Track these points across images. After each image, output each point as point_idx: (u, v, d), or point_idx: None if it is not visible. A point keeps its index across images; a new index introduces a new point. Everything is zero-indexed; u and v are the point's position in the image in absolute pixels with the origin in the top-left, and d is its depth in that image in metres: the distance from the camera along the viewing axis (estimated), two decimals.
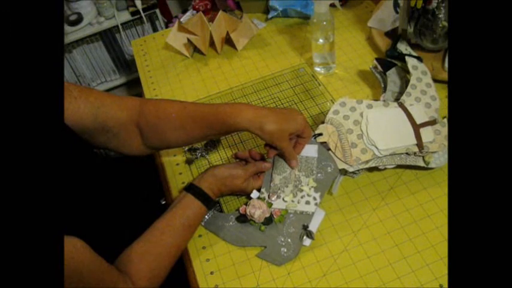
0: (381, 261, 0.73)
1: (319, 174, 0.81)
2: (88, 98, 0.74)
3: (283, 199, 0.80)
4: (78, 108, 0.73)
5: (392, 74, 0.94)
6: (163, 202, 0.95)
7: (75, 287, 0.59)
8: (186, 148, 0.96)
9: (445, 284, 0.69)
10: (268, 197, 0.80)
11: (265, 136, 0.74)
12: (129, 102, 0.80)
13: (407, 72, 0.93)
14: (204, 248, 0.79)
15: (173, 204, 0.78)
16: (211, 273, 0.76)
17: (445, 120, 0.85)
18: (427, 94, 0.88)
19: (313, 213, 0.77)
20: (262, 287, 0.73)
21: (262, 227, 0.78)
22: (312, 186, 0.80)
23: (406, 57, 0.92)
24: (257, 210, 0.77)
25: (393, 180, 0.83)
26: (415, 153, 0.81)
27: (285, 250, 0.75)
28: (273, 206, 0.79)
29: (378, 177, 0.84)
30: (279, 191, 0.80)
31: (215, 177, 0.80)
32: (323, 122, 0.85)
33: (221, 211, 0.84)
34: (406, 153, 0.81)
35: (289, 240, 0.76)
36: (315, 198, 0.79)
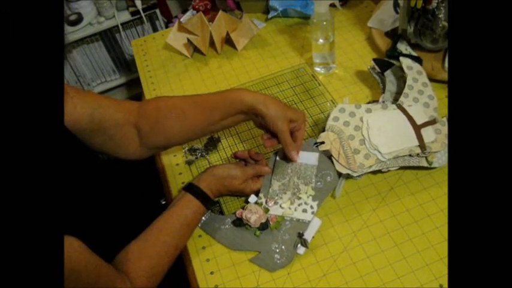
0: (381, 261, 0.73)
1: (318, 183, 0.81)
2: (85, 99, 0.74)
3: (280, 206, 0.79)
4: (74, 109, 0.72)
5: (390, 75, 0.94)
6: (163, 202, 0.95)
7: (73, 287, 0.59)
8: (186, 148, 0.96)
9: (445, 284, 0.69)
10: (266, 202, 0.80)
11: (268, 113, 0.74)
12: (127, 104, 0.80)
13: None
14: (204, 248, 0.79)
15: (172, 203, 0.79)
16: (211, 273, 0.76)
17: (445, 119, 0.85)
18: (424, 94, 0.88)
19: (309, 221, 0.77)
20: (262, 287, 0.73)
21: (258, 232, 0.77)
22: (310, 195, 0.79)
23: (401, 58, 0.92)
24: (253, 215, 0.77)
25: (393, 181, 0.83)
26: (417, 154, 0.81)
27: (278, 257, 0.75)
28: (269, 212, 0.79)
29: (378, 178, 0.84)
30: (276, 197, 0.80)
31: (214, 177, 0.80)
32: (323, 130, 0.85)
33: (221, 211, 0.84)
34: (409, 155, 0.81)
35: (283, 247, 0.76)
36: (312, 207, 0.78)
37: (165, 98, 0.82)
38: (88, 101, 0.74)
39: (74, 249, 0.59)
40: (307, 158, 0.82)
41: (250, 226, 0.77)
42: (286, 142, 0.78)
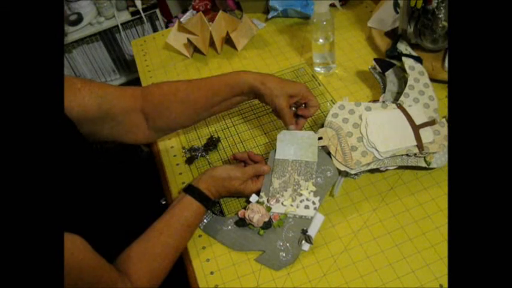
0: (381, 261, 0.73)
1: (318, 179, 0.81)
2: (91, 89, 0.76)
3: (282, 203, 0.79)
4: (82, 99, 0.74)
5: (391, 75, 0.94)
6: (164, 202, 0.95)
7: (74, 284, 0.59)
8: (186, 148, 0.96)
9: (445, 284, 0.69)
10: (268, 201, 0.80)
11: (266, 92, 0.78)
12: (131, 90, 0.82)
13: (406, 71, 0.93)
14: (204, 248, 0.79)
15: (172, 205, 0.79)
16: (211, 273, 0.76)
17: (444, 120, 0.85)
18: (425, 94, 0.88)
19: (312, 217, 0.77)
20: (262, 287, 0.73)
21: (261, 231, 0.77)
22: (311, 191, 0.80)
23: (403, 58, 0.92)
24: (256, 214, 0.77)
25: (393, 181, 0.83)
26: (415, 154, 0.81)
27: (284, 255, 0.75)
28: (272, 210, 0.79)
29: (378, 178, 0.84)
30: (278, 195, 0.80)
31: (213, 178, 0.80)
32: (322, 126, 0.85)
33: (221, 211, 0.84)
34: (407, 155, 0.81)
35: (288, 244, 0.76)
36: (314, 203, 0.78)
37: (168, 83, 0.85)
38: (95, 91, 0.76)
39: (76, 246, 0.60)
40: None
41: (253, 226, 0.77)
42: (285, 118, 0.81)
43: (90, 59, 2.09)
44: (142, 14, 1.96)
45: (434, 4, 0.94)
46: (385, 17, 1.11)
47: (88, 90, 0.75)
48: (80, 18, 1.91)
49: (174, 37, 1.19)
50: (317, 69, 1.07)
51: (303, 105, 0.84)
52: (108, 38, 2.04)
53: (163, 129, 0.87)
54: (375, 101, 0.93)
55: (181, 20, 1.22)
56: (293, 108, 0.85)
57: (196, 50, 1.19)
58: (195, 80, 0.83)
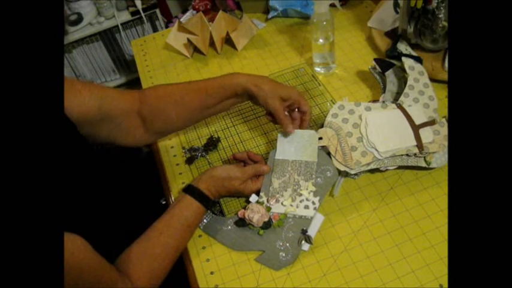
0: (381, 261, 0.73)
1: (318, 179, 0.81)
2: (91, 90, 0.76)
3: (282, 203, 0.79)
4: (83, 100, 0.74)
5: (391, 75, 0.94)
6: (164, 202, 0.95)
7: (74, 284, 0.59)
8: (186, 148, 0.96)
9: (445, 284, 0.69)
10: (267, 201, 0.80)
11: (260, 93, 0.79)
12: (129, 94, 0.84)
13: (406, 71, 0.93)
14: (204, 248, 0.79)
15: (172, 205, 0.79)
16: (211, 273, 0.76)
17: (444, 120, 0.85)
18: (425, 94, 0.88)
19: (312, 217, 0.77)
20: (262, 287, 0.73)
21: (261, 231, 0.77)
22: (311, 191, 0.80)
23: (403, 58, 0.92)
24: (256, 214, 0.77)
25: (393, 180, 0.83)
26: (415, 154, 0.81)
27: (284, 255, 0.75)
28: (271, 210, 0.79)
29: (378, 178, 0.84)
30: (278, 195, 0.80)
31: (213, 178, 0.80)
32: (322, 126, 0.85)
33: (221, 211, 0.84)
34: (407, 155, 0.81)
35: (287, 244, 0.76)
36: (314, 203, 0.79)
37: (164, 86, 0.86)
38: (95, 93, 0.76)
39: (77, 246, 0.60)
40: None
41: (253, 226, 0.77)
42: (280, 118, 0.81)
43: (90, 59, 2.09)
44: (142, 14, 1.96)
45: (434, 4, 0.94)
46: (385, 17, 1.11)
47: (88, 92, 0.75)
48: (80, 18, 1.91)
49: (174, 37, 1.19)
50: (317, 69, 1.07)
51: (296, 109, 0.84)
52: (108, 38, 2.04)
53: (161, 131, 0.88)
54: (375, 101, 0.93)
55: (181, 20, 1.23)
56: (285, 113, 0.84)
57: (196, 50, 1.19)
58: (190, 82, 0.84)
